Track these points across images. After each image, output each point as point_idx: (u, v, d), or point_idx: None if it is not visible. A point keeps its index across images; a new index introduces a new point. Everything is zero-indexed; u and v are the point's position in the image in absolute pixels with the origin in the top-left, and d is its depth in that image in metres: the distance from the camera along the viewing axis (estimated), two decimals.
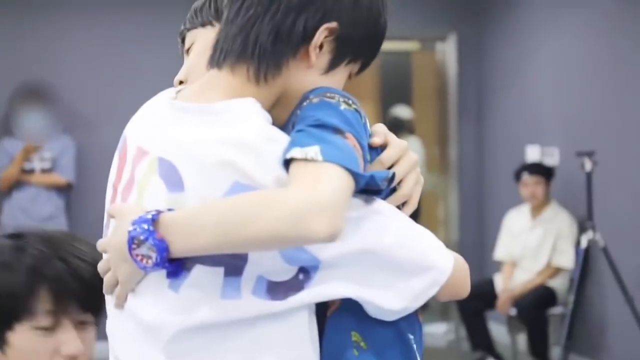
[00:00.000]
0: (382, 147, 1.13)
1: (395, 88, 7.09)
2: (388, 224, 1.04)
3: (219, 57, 1.12)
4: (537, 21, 5.55)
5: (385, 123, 1.20)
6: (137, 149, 1.13)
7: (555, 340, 4.81)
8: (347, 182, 0.97)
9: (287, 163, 0.99)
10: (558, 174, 5.14)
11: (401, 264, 1.04)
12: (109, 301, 1.13)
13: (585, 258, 4.53)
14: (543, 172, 5.08)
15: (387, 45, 5.14)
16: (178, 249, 0.99)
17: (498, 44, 6.08)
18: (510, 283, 5.05)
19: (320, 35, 1.09)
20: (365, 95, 7.03)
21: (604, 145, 4.69)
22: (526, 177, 5.08)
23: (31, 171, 5.24)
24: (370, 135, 1.13)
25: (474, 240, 6.28)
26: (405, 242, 1.05)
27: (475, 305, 5.08)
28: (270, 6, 1.08)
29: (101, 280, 1.12)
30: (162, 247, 0.99)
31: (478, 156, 6.32)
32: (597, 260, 4.68)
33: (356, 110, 1.08)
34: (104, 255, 1.13)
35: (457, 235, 6.37)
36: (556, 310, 4.88)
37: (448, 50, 6.33)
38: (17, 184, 5.20)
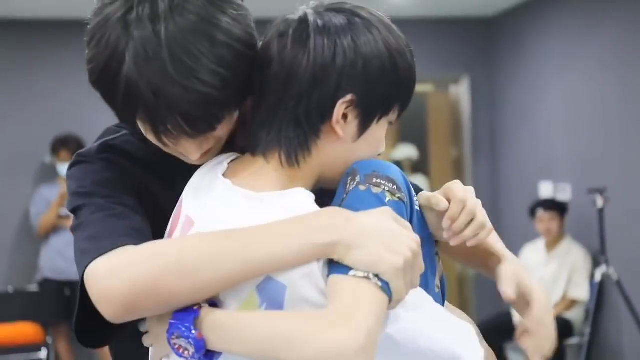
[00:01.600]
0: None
1: (412, 127, 7.25)
2: (417, 318, 1.06)
3: (250, 145, 1.13)
4: (545, 62, 5.67)
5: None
6: (186, 217, 1.13)
7: None
8: (384, 307, 0.98)
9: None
10: (571, 209, 5.22)
11: (426, 352, 1.05)
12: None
13: (599, 291, 4.61)
14: (557, 208, 5.18)
15: None
16: (214, 346, 1.02)
17: (509, 85, 6.20)
18: None
19: (338, 110, 1.08)
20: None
21: (615, 182, 4.77)
22: (541, 213, 5.18)
23: (67, 216, 5.44)
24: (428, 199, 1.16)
25: None
26: (431, 334, 1.06)
27: (494, 337, 5.21)
28: (284, 95, 1.08)
29: None
30: (200, 346, 1.01)
31: (493, 192, 6.42)
32: (612, 293, 4.77)
33: (400, 199, 1.07)
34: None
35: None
36: (573, 340, 4.97)
37: (462, 92, 6.48)
38: (54, 229, 5.40)
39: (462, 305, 6.57)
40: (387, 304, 0.99)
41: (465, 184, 1.21)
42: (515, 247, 5.70)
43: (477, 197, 1.21)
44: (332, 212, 1.03)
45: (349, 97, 1.08)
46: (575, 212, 5.23)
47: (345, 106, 1.08)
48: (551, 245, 5.22)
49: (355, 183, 1.07)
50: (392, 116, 1.14)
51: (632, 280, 4.55)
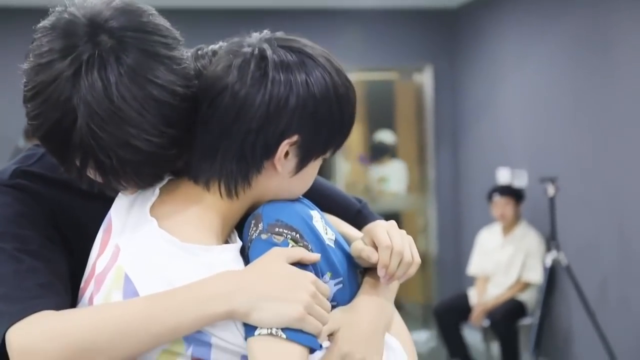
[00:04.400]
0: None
1: (379, 113, 7.33)
2: None
3: (192, 172, 1.14)
4: (504, 54, 5.82)
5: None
6: (115, 246, 1.12)
7: (525, 348, 5.08)
8: (302, 354, 1.02)
9: None
10: (527, 195, 5.37)
11: None
12: None
13: (550, 275, 4.78)
14: (513, 193, 5.31)
15: (371, 75, 5.68)
16: None
17: (470, 75, 6.34)
18: (484, 297, 5.30)
19: (282, 149, 1.10)
20: None
21: (566, 171, 4.93)
22: (497, 198, 5.32)
23: None
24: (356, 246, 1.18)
25: (451, 257, 6.51)
26: None
27: (451, 317, 5.36)
28: (231, 128, 1.08)
29: None
30: None
31: (455, 178, 6.57)
32: (562, 277, 4.94)
33: (304, 247, 1.08)
34: None
35: (435, 252, 6.62)
36: (526, 321, 5.13)
37: (425, 81, 6.63)
38: None
39: (424, 285, 6.77)
40: (303, 349, 1.02)
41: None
42: (474, 230, 5.87)
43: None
44: (226, 278, 1.04)
45: (295, 137, 1.10)
46: (530, 198, 5.37)
47: (288, 146, 1.10)
48: (507, 229, 5.36)
49: (257, 231, 1.09)
50: (327, 155, 1.17)
51: (581, 266, 4.72)
